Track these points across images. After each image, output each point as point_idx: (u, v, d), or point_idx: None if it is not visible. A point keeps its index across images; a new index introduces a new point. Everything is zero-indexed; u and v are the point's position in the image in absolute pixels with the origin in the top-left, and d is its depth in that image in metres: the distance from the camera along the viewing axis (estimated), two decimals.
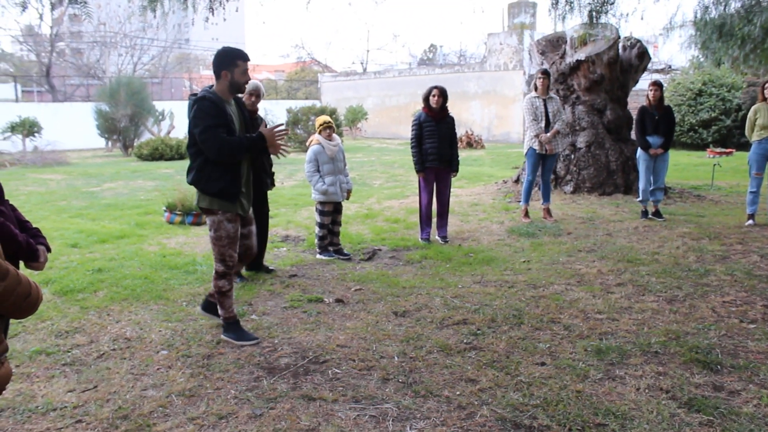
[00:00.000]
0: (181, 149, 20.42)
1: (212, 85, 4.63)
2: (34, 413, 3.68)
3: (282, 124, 4.77)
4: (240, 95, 4.77)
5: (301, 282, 6.30)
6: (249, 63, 4.59)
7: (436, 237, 8.05)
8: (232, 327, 4.81)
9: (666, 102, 9.41)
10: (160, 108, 25.56)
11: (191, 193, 9.32)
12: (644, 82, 11.98)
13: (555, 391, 3.87)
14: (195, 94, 4.58)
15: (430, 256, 7.24)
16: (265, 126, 6.57)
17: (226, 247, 4.69)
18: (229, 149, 4.41)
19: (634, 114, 9.93)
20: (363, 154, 21.20)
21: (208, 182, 4.54)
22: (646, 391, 3.86)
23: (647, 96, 9.10)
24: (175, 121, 26.05)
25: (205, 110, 4.44)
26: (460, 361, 4.36)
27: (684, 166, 16.20)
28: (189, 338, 4.82)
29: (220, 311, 4.83)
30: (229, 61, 4.51)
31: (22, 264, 2.98)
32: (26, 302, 2.21)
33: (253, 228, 4.99)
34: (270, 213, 6.91)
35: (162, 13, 7.86)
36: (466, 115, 27.48)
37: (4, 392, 2.27)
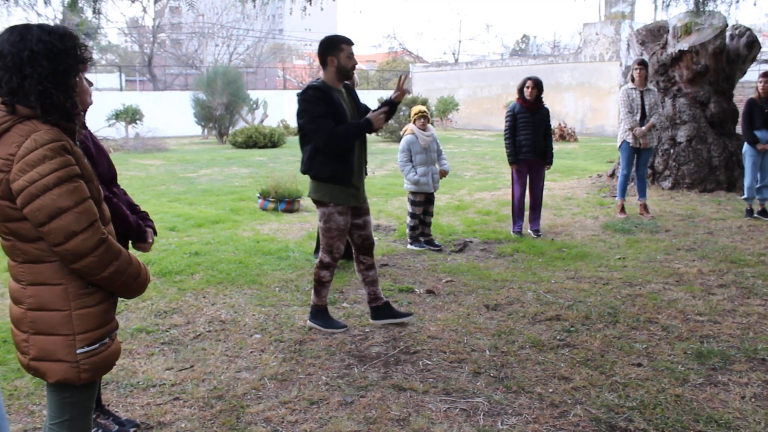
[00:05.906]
0: (274, 138, 20.86)
1: (319, 79, 4.63)
2: (136, 388, 3.84)
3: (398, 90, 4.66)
4: (349, 82, 4.73)
5: (391, 272, 6.32)
6: (353, 47, 4.55)
7: (529, 230, 7.90)
8: (320, 314, 4.81)
9: None
10: (255, 97, 26.20)
11: (284, 180, 9.49)
12: (753, 73, 11.35)
13: (652, 393, 3.73)
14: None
15: (522, 249, 7.12)
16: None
17: (335, 239, 4.62)
18: (337, 138, 4.36)
19: (740, 107, 9.45)
20: (454, 145, 21.07)
21: (320, 167, 4.49)
22: (752, 400, 3.67)
23: (756, 88, 8.63)
24: (268, 110, 26.64)
25: (310, 100, 4.44)
26: (552, 357, 4.26)
27: None
28: (281, 323, 4.91)
29: (312, 297, 4.82)
30: (334, 46, 4.47)
31: (129, 245, 3.11)
32: (136, 283, 2.29)
33: (369, 218, 4.84)
34: None
35: (261, 3, 8.01)
36: (559, 107, 26.84)
37: None
